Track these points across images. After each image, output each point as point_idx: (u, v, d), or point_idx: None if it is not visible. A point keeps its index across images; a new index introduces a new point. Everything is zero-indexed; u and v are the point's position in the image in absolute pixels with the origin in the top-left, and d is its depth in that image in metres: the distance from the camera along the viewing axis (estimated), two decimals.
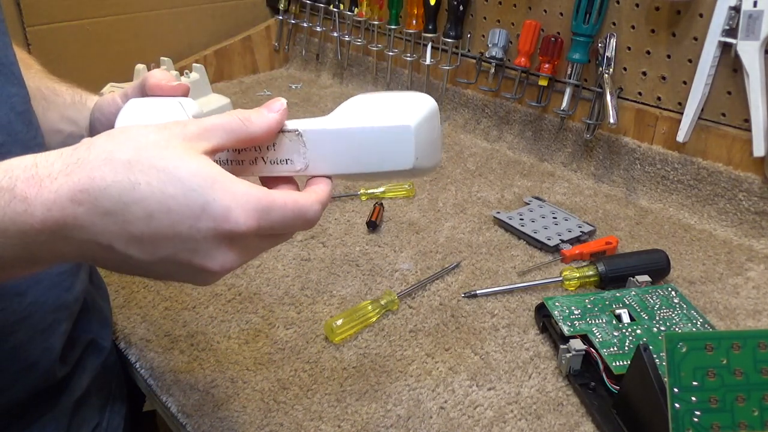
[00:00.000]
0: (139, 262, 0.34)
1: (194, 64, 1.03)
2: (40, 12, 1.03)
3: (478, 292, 0.66)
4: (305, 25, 1.28)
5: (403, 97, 0.41)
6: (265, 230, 0.35)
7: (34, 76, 0.57)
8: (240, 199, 0.34)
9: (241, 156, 0.41)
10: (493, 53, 0.97)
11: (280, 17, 1.31)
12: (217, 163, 0.36)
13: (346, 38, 1.20)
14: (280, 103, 0.39)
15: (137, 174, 0.33)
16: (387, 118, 0.39)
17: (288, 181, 0.41)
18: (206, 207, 0.33)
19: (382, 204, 0.82)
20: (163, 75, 0.44)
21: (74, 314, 0.54)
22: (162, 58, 1.03)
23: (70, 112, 0.53)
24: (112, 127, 0.40)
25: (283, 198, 0.35)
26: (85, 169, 0.33)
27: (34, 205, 0.32)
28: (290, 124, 0.40)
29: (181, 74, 0.99)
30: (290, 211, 0.36)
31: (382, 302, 0.63)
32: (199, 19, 1.24)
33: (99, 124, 0.51)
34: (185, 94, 0.44)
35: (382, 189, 0.86)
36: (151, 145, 0.34)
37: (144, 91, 0.44)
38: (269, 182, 0.41)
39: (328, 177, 0.41)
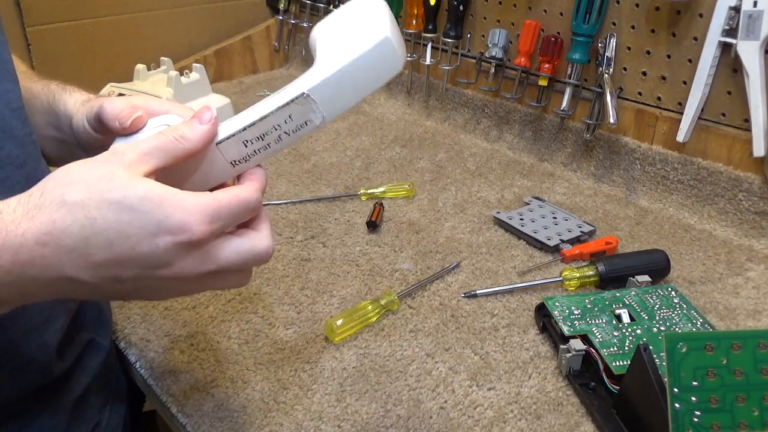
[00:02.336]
0: (110, 286, 0.37)
1: (194, 64, 1.03)
2: (40, 12, 1.03)
3: (478, 292, 0.66)
4: (305, 25, 1.27)
5: (359, 11, 0.44)
6: (218, 229, 0.38)
7: (37, 82, 0.56)
8: (189, 209, 0.37)
9: (267, 140, 0.43)
10: (493, 53, 0.97)
11: (280, 17, 1.31)
12: (256, 153, 0.42)
13: None
14: (210, 113, 0.41)
15: (92, 210, 0.35)
16: (367, 39, 0.42)
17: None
18: (160, 225, 0.36)
19: (382, 204, 0.82)
20: (121, 108, 0.44)
21: (71, 311, 0.54)
22: (162, 58, 1.03)
23: (50, 118, 0.53)
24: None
25: (227, 197, 0.39)
26: (45, 214, 0.35)
27: (2, 249, 0.34)
28: (292, 88, 0.42)
29: (181, 74, 0.99)
30: (235, 206, 0.39)
31: (382, 302, 0.63)
32: (199, 19, 1.24)
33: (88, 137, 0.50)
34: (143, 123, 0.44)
35: (382, 189, 0.86)
36: (97, 181, 0.36)
37: (100, 121, 0.45)
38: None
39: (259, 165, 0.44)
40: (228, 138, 0.42)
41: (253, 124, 0.42)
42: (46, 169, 0.52)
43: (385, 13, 0.43)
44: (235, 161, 0.43)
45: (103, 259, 0.36)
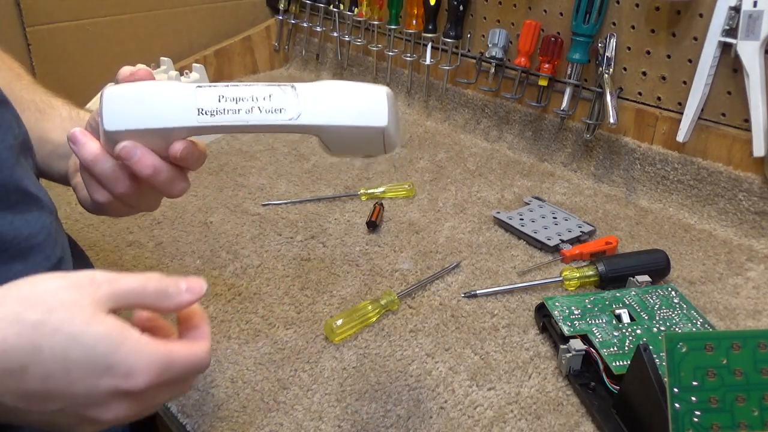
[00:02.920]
0: (23, 413, 0.35)
1: (194, 64, 1.03)
2: (40, 12, 1.03)
3: (478, 292, 0.66)
4: (305, 25, 1.28)
5: (368, 92, 0.46)
6: (163, 383, 0.36)
7: (26, 87, 0.57)
8: (144, 359, 0.35)
9: (240, 105, 0.44)
10: (493, 53, 0.97)
11: (280, 17, 1.31)
12: (224, 113, 0.42)
13: (346, 38, 1.20)
14: (201, 287, 0.40)
15: (42, 337, 0.33)
16: (369, 114, 0.45)
17: (164, 331, 0.42)
18: (109, 369, 0.34)
19: (382, 204, 0.82)
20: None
21: None
22: (162, 58, 1.03)
23: (66, 124, 0.54)
24: None
25: (184, 353, 0.37)
26: None
27: None
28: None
29: (181, 74, 0.99)
30: (189, 364, 0.37)
31: (382, 302, 0.63)
32: (199, 19, 1.24)
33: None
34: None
35: (382, 189, 0.86)
36: (59, 307, 0.34)
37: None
38: (158, 332, 0.41)
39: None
40: (208, 86, 0.43)
41: (236, 85, 0.44)
42: (26, 174, 0.49)
43: (389, 99, 0.46)
44: (202, 109, 0.43)
45: (33, 389, 0.34)
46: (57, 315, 0.34)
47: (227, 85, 0.44)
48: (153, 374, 0.35)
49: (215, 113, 0.43)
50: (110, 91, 0.43)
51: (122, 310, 0.37)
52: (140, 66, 0.47)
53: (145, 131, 0.43)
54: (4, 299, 0.34)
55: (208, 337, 0.41)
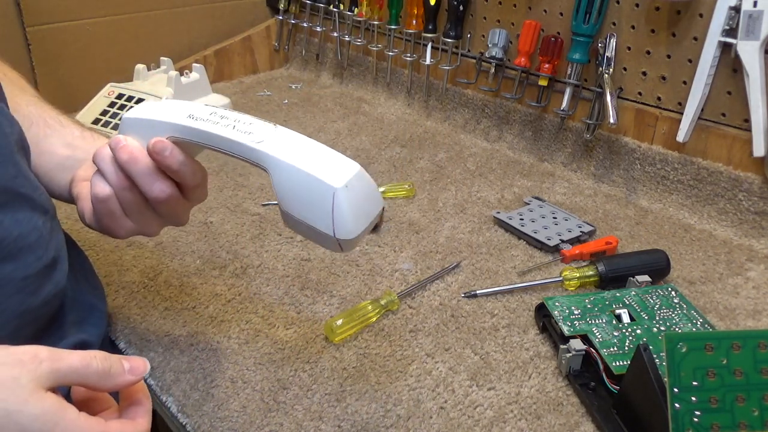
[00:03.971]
0: None
1: (194, 64, 1.03)
2: (40, 12, 1.03)
3: (478, 292, 0.66)
4: (305, 25, 1.28)
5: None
6: None
7: (32, 102, 0.58)
8: None
9: (213, 118, 0.47)
10: (493, 53, 0.97)
11: (280, 17, 1.31)
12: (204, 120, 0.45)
13: (346, 38, 1.20)
14: (143, 367, 0.41)
15: None
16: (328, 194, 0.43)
17: (103, 403, 0.42)
18: None
19: None
20: None
21: (41, 318, 0.52)
22: (162, 58, 1.04)
23: (78, 142, 0.56)
24: None
25: (119, 430, 0.38)
26: None
27: None
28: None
29: (181, 74, 0.99)
30: None
31: (382, 302, 0.63)
32: (199, 19, 1.24)
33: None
34: None
35: (382, 189, 0.86)
36: None
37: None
38: (97, 404, 0.42)
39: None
40: (212, 105, 0.47)
41: (235, 112, 0.47)
42: (17, 173, 0.48)
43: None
44: (192, 115, 0.47)
45: None
46: None
47: (229, 109, 0.47)
48: None
49: (200, 120, 0.46)
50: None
51: (63, 386, 0.37)
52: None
53: (146, 121, 0.48)
54: None
55: (148, 414, 0.41)
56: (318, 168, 0.43)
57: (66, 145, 0.56)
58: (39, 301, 0.49)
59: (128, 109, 0.50)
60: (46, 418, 0.35)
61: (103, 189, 0.48)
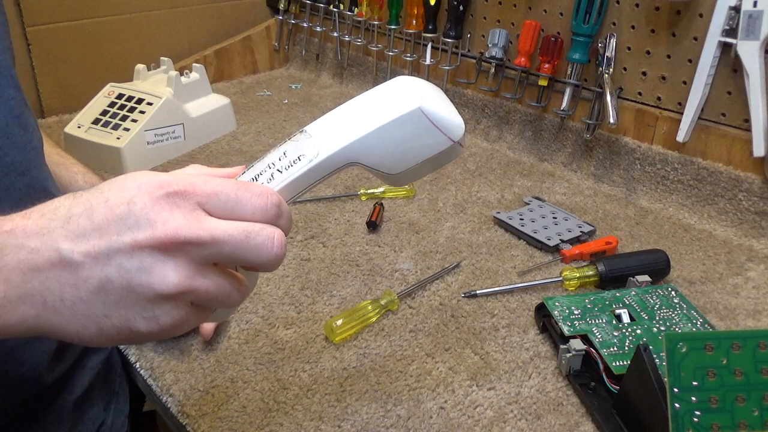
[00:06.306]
0: (96, 295, 0.33)
1: (194, 64, 1.03)
2: (40, 12, 1.03)
3: (478, 292, 0.66)
4: (305, 25, 1.28)
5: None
6: (219, 203, 0.35)
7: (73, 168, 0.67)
8: (174, 174, 0.35)
9: (260, 180, 0.41)
10: (493, 53, 0.97)
11: (280, 17, 1.31)
12: None
13: (346, 38, 1.20)
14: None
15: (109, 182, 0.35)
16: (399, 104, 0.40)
17: None
18: (162, 183, 0.34)
19: (382, 204, 0.82)
20: None
21: None
22: (162, 58, 1.03)
23: (81, 181, 0.65)
24: None
25: (243, 185, 0.37)
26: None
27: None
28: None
29: (181, 74, 0.99)
30: (243, 192, 0.37)
31: (382, 302, 0.63)
32: (199, 19, 1.24)
33: None
34: None
35: (382, 189, 0.86)
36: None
37: None
38: None
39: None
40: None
41: (252, 166, 0.41)
42: (48, 175, 0.52)
43: (421, 86, 0.41)
44: None
45: (82, 227, 0.33)
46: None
47: (258, 161, 0.42)
48: (206, 182, 0.35)
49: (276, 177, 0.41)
50: None
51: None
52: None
53: None
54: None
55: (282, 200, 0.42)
56: (385, 112, 0.39)
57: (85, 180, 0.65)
58: None
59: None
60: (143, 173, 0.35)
61: None
